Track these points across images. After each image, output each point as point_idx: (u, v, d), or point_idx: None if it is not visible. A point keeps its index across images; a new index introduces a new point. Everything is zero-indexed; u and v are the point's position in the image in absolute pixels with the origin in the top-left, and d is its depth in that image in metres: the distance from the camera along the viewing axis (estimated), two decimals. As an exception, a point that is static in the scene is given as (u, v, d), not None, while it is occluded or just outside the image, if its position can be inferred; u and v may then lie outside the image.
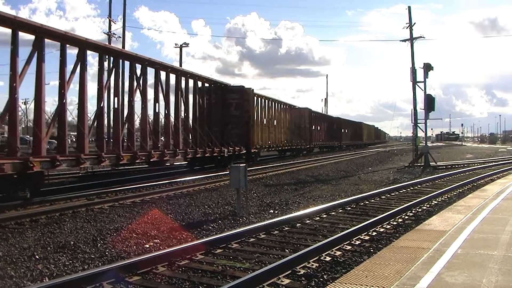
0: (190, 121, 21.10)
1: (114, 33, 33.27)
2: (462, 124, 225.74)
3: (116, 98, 15.97)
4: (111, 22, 33.40)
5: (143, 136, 17.79)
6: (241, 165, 10.87)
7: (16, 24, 11.59)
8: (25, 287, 5.42)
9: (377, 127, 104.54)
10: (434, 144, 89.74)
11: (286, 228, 8.65)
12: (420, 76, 27.59)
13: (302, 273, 5.82)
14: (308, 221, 9.40)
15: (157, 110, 18.30)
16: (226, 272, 5.90)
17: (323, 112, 60.22)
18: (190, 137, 20.71)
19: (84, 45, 13.98)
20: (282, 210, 11.10)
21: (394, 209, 10.56)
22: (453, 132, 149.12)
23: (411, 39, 28.86)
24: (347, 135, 61.10)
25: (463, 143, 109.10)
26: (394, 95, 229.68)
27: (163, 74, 18.53)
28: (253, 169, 21.31)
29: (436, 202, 12.20)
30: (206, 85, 22.93)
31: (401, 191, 14.49)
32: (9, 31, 11.64)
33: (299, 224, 9.09)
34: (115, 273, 5.50)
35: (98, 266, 6.22)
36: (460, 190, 14.75)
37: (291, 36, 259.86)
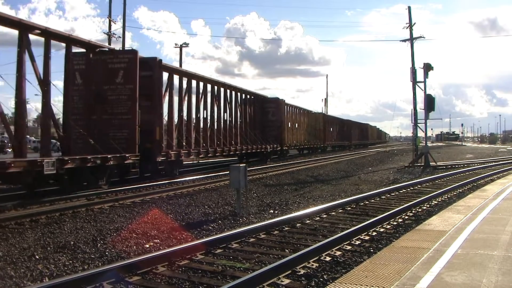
0: (243, 125, 27.43)
1: (114, 33, 33.31)
2: (462, 124, 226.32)
3: (204, 111, 22.19)
4: (111, 22, 33.42)
5: (219, 136, 23.61)
6: (241, 165, 10.88)
7: (172, 70, 19.45)
8: (25, 287, 5.42)
9: (379, 128, 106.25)
10: (434, 144, 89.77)
11: (286, 228, 8.65)
12: (420, 76, 27.62)
13: (302, 273, 5.82)
14: (308, 221, 9.40)
15: (225, 118, 24.66)
16: (226, 272, 5.89)
17: (323, 112, 60.98)
18: (246, 137, 27.42)
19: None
20: (282, 210, 11.10)
21: (394, 209, 10.55)
22: (453, 132, 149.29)
23: (411, 39, 28.87)
24: (355, 135, 67.02)
25: (463, 143, 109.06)
26: (394, 95, 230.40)
27: (227, 91, 25.19)
28: (253, 169, 21.37)
29: (436, 202, 12.20)
30: (252, 97, 29.78)
31: (401, 191, 14.49)
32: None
33: (299, 224, 9.09)
34: (115, 273, 5.50)
35: (98, 266, 6.22)
36: (460, 190, 14.75)
37: (290, 36, 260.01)
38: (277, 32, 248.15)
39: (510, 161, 30.79)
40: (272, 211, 11.01)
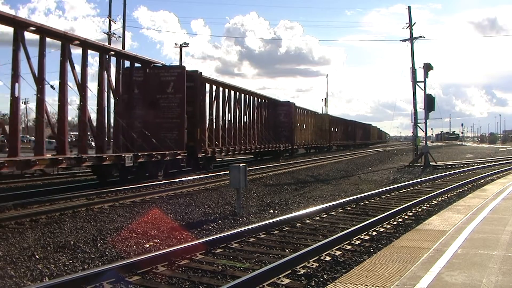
0: (259, 127, 30.18)
1: (114, 33, 33.31)
2: (462, 124, 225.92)
3: (229, 114, 25.26)
4: (111, 22, 33.40)
5: (241, 136, 26.68)
6: (241, 165, 10.87)
7: (206, 80, 22.15)
8: (25, 287, 5.42)
9: (379, 128, 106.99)
10: (434, 144, 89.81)
11: (286, 228, 8.65)
12: (420, 76, 27.64)
13: (302, 272, 5.82)
14: (308, 221, 9.40)
15: (244, 120, 27.63)
16: (226, 272, 5.89)
17: (323, 113, 61.38)
18: (262, 137, 30.50)
19: (227, 86, 25.00)
20: (282, 210, 11.10)
21: (394, 209, 10.56)
22: (453, 132, 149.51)
23: (411, 39, 28.88)
24: (359, 135, 69.50)
25: (463, 143, 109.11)
26: (394, 95, 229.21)
27: (246, 96, 27.95)
28: (253, 169, 21.38)
29: (436, 202, 12.20)
30: (266, 101, 32.88)
31: (401, 191, 14.49)
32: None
33: (299, 224, 9.09)
34: (115, 273, 5.50)
35: (98, 266, 6.21)
36: (460, 190, 14.75)
37: (290, 36, 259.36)
38: (277, 32, 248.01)
39: (510, 161, 30.81)
40: (272, 211, 11.01)
